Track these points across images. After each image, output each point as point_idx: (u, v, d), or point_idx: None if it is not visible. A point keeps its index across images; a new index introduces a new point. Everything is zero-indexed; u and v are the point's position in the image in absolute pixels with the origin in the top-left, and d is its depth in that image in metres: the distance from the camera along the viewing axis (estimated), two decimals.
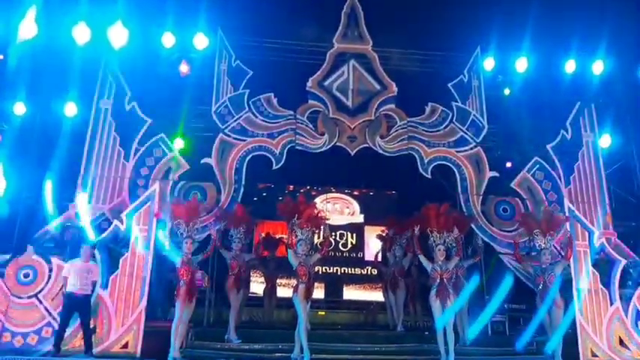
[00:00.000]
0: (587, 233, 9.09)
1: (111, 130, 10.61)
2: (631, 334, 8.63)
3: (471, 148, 11.24)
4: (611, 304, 8.76)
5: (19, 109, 10.31)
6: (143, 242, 8.36)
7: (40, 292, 8.13)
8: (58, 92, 10.43)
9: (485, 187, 11.04)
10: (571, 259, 8.61)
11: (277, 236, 12.66)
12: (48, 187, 8.67)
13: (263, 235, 13.01)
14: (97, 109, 10.66)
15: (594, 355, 8.45)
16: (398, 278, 10.25)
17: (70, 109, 10.49)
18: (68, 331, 7.85)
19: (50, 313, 8.04)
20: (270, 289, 11.27)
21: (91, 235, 8.67)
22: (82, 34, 10.20)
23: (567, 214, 9.08)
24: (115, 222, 8.65)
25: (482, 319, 8.91)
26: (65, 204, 9.83)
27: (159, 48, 11.01)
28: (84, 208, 8.91)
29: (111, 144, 10.56)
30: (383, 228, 11.98)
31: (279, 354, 8.27)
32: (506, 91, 12.20)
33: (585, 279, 8.69)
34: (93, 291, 7.95)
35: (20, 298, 8.10)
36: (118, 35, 10.39)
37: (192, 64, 11.56)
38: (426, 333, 9.52)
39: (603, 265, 9.12)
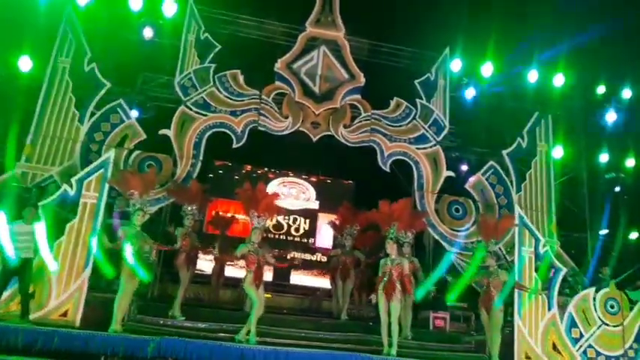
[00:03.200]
0: (533, 240, 9.37)
1: (67, 90, 10.21)
2: (564, 340, 8.99)
3: (431, 147, 11.35)
4: (549, 309, 9.09)
5: None
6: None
7: None
8: (13, 44, 9.89)
9: (440, 186, 11.23)
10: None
11: (229, 215, 12.54)
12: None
13: (214, 213, 12.89)
14: (54, 66, 10.23)
15: (528, 357, 8.73)
16: (349, 268, 10.29)
17: (25, 64, 9.97)
18: (5, 295, 7.53)
19: None
20: (219, 268, 11.14)
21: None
22: None
23: (517, 220, 9.32)
24: (65, 186, 8.31)
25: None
26: (12, 162, 9.41)
27: (125, 10, 10.61)
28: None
29: (66, 104, 10.18)
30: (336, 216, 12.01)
31: (223, 334, 8.16)
32: (471, 92, 12.33)
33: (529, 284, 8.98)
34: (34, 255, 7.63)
35: None
36: None
37: (159, 31, 11.22)
38: (371, 324, 9.64)
39: (544, 272, 9.44)
